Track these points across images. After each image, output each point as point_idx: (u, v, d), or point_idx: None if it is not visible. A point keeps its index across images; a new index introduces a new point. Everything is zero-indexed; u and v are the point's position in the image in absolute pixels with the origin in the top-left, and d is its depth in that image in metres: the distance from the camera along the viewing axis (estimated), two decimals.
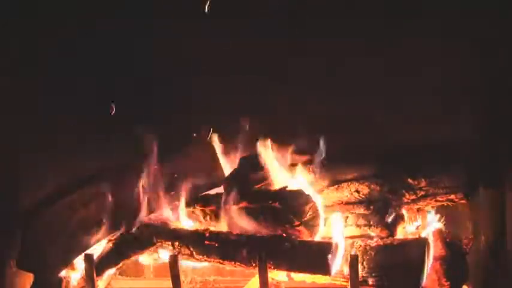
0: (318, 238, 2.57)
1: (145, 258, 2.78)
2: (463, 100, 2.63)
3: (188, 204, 2.76)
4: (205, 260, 2.62)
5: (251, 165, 2.74)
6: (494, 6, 2.55)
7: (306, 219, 2.53)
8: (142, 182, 2.72)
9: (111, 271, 2.72)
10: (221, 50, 2.71)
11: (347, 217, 2.66)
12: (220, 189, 2.78)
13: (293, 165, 2.74)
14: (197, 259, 2.63)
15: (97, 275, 2.60)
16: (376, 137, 2.69)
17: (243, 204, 2.61)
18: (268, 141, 2.69)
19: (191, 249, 2.62)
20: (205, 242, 2.60)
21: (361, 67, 2.69)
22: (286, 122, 2.74)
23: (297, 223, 2.52)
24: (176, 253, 2.62)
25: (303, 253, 2.47)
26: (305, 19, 2.68)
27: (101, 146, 2.74)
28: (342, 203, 2.71)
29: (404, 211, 2.67)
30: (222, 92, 2.77)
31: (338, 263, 2.47)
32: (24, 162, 2.71)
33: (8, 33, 2.68)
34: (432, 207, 2.72)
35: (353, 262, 2.40)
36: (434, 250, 2.58)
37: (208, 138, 2.77)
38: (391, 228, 2.59)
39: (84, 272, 2.59)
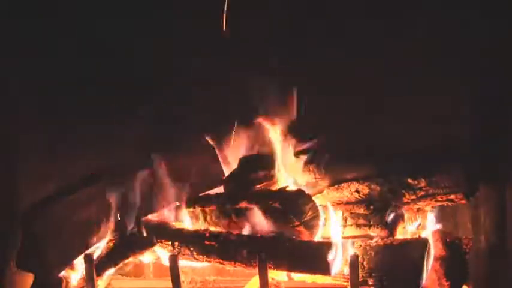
0: (318, 238, 2.57)
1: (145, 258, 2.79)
2: (462, 100, 2.63)
3: (188, 204, 2.76)
4: (205, 260, 2.62)
5: (251, 165, 2.74)
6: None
7: (306, 219, 2.53)
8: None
9: (111, 271, 2.72)
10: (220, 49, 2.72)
11: (347, 217, 2.66)
12: (220, 189, 2.78)
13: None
14: (197, 259, 2.63)
15: (97, 275, 2.60)
16: (376, 137, 2.69)
17: (243, 204, 2.61)
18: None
19: (191, 249, 2.62)
20: (205, 242, 2.60)
21: (361, 67, 2.69)
22: (287, 122, 2.75)
23: (297, 223, 2.52)
24: (176, 253, 2.62)
25: (303, 253, 2.47)
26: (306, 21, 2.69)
27: (101, 146, 2.74)
28: (342, 203, 2.71)
29: (404, 211, 2.67)
30: (222, 91, 2.78)
31: (338, 263, 2.47)
32: (24, 162, 2.71)
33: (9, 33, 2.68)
34: (432, 207, 2.72)
35: (353, 262, 2.40)
36: (434, 250, 2.58)
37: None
38: (391, 228, 2.59)
39: (84, 272, 2.59)
